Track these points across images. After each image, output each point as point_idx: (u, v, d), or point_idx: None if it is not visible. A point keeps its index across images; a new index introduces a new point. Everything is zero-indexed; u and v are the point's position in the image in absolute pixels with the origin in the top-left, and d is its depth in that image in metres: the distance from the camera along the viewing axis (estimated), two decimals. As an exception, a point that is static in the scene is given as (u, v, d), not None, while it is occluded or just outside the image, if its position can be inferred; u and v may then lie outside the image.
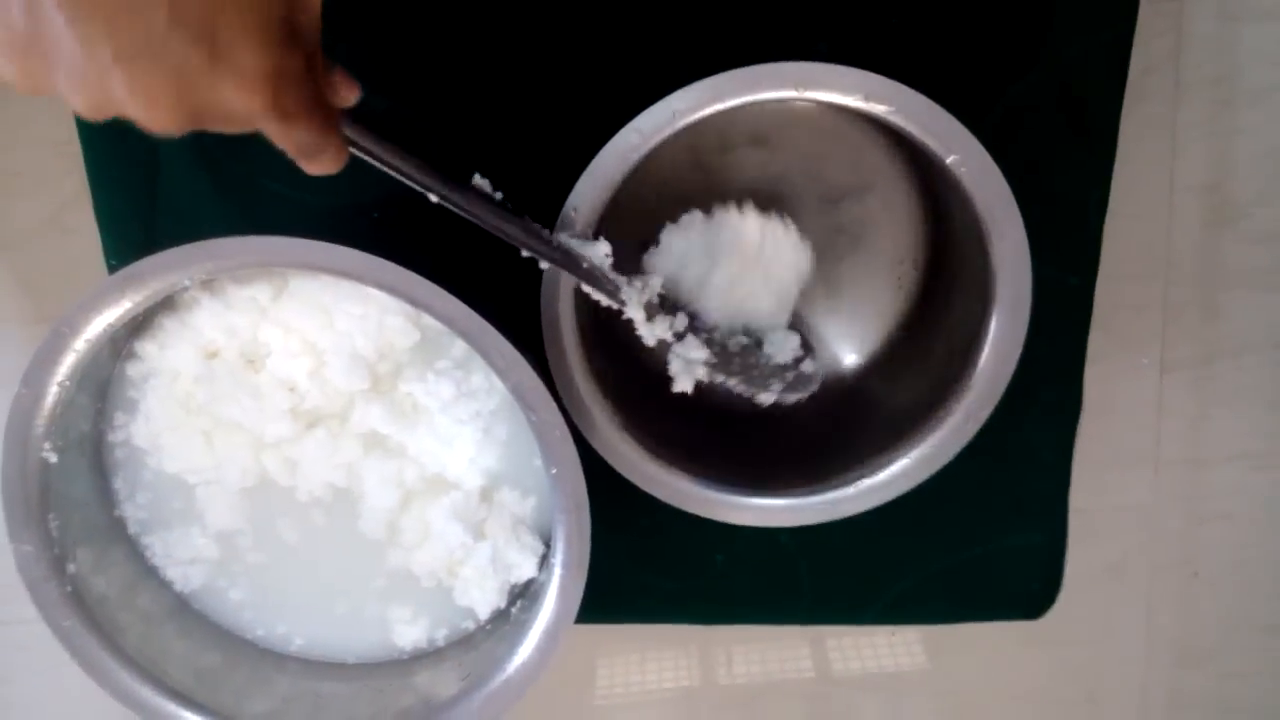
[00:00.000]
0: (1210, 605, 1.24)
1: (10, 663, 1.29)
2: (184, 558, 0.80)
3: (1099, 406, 0.94)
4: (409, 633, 0.82)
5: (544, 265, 0.72)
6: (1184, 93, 1.00)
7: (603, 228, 0.74)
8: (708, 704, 1.28)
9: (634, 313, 0.75)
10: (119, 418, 0.77)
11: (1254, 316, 1.09)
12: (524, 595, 0.80)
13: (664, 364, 0.88)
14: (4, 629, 1.28)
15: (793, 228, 0.82)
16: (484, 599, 0.79)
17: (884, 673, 1.28)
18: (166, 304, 0.74)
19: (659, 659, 1.27)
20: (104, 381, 0.76)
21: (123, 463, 0.78)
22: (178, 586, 0.81)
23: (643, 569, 0.96)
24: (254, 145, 0.84)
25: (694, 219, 0.82)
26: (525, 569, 0.79)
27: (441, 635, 0.83)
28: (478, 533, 0.79)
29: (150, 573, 0.80)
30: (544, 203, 0.74)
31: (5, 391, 1.14)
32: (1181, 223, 1.05)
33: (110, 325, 0.69)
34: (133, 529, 0.80)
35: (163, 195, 0.85)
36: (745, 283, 0.81)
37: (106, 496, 0.78)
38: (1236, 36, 1.00)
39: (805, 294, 0.85)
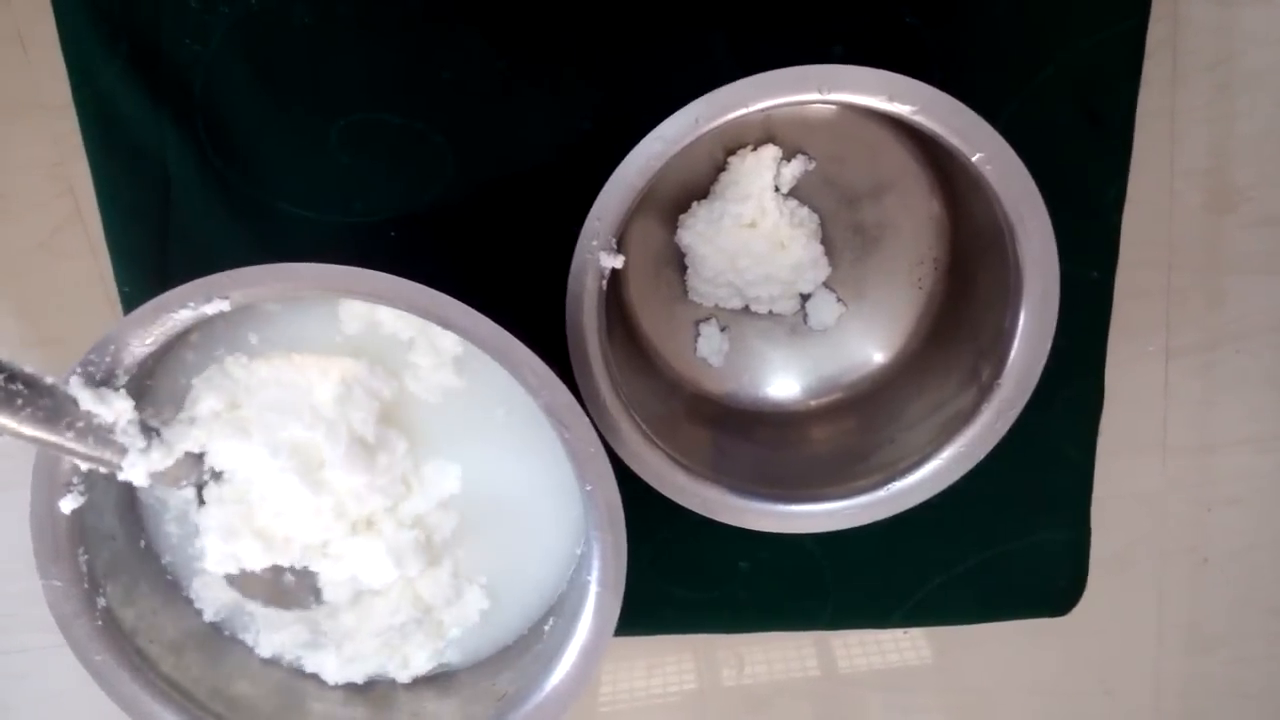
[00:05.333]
0: (1221, 591, 1.25)
1: (10, 691, 1.28)
2: (213, 586, 0.79)
3: (1106, 395, 0.93)
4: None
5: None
6: (1181, 78, 1.00)
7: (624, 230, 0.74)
8: (714, 708, 1.27)
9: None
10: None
11: (1257, 300, 1.10)
12: (557, 613, 0.79)
13: (686, 374, 0.88)
14: (3, 658, 1.27)
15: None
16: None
17: (891, 670, 1.28)
18: (192, 330, 0.73)
19: (663, 665, 1.26)
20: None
21: (151, 492, 0.77)
22: (207, 615, 0.79)
23: (666, 579, 0.96)
24: (266, 166, 0.83)
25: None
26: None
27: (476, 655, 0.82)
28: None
29: (179, 602, 0.78)
30: (566, 210, 0.73)
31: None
32: (1182, 208, 1.05)
33: (138, 356, 0.68)
34: (162, 558, 0.78)
35: (174, 218, 0.84)
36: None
37: (134, 528, 0.77)
38: (1232, 20, 1.00)
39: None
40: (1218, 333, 1.11)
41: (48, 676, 1.26)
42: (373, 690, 0.81)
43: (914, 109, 0.69)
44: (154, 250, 0.84)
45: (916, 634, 1.25)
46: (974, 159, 0.70)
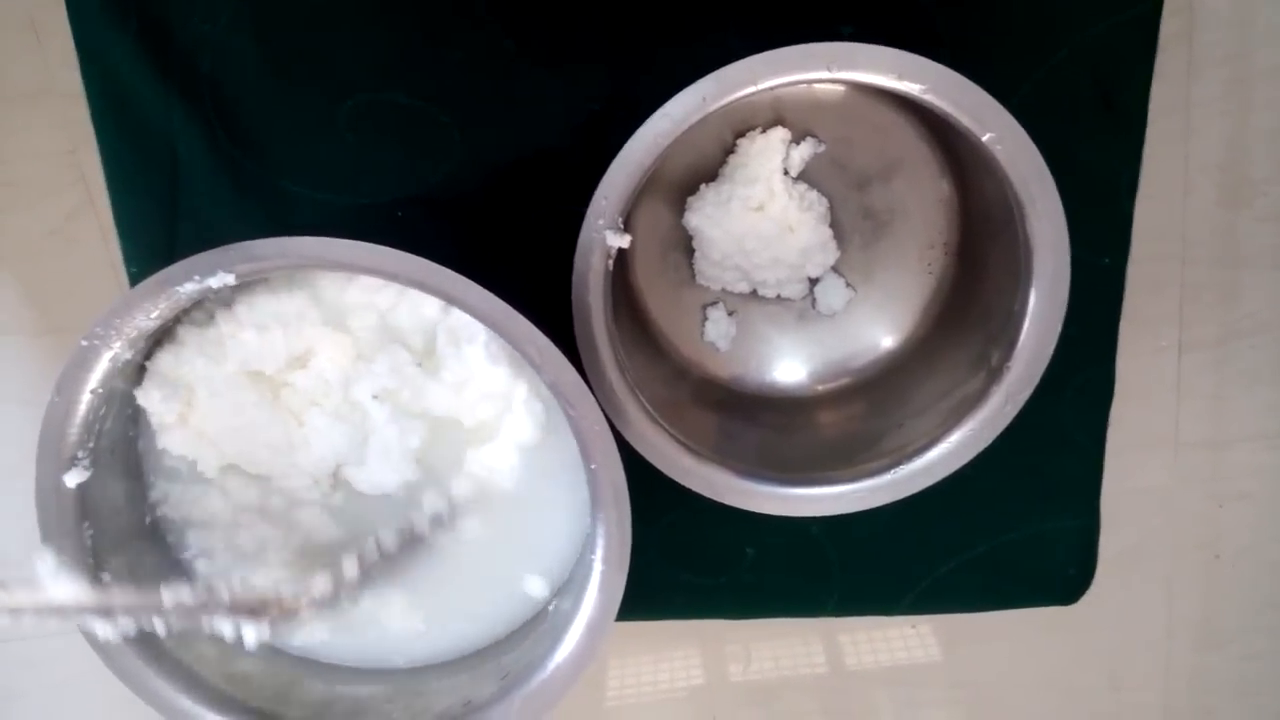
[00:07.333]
0: (1231, 587, 1.24)
1: (20, 679, 1.28)
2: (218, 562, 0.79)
3: (1118, 389, 0.93)
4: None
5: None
6: (1197, 71, 1.00)
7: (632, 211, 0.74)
8: (721, 702, 1.27)
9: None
10: (151, 422, 0.76)
11: (1271, 295, 1.09)
12: (563, 592, 0.79)
13: (693, 358, 0.87)
14: (13, 646, 1.27)
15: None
16: None
17: (898, 665, 1.27)
18: (199, 307, 0.73)
19: (670, 659, 1.26)
20: (136, 385, 0.74)
21: (155, 468, 0.77)
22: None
23: (672, 564, 0.95)
24: (275, 146, 0.84)
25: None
26: None
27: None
28: None
29: (183, 578, 0.78)
30: (574, 191, 0.73)
31: (17, 404, 1.14)
32: (1197, 202, 1.04)
33: (143, 330, 0.68)
34: (165, 534, 0.78)
35: (183, 200, 0.84)
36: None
37: (138, 502, 0.77)
38: (1249, 14, 0.99)
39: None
40: (1231, 328, 1.10)
41: (57, 664, 1.27)
42: (375, 671, 0.81)
43: (923, 88, 0.69)
44: (162, 230, 0.85)
45: (924, 629, 1.25)
46: (984, 139, 0.70)
